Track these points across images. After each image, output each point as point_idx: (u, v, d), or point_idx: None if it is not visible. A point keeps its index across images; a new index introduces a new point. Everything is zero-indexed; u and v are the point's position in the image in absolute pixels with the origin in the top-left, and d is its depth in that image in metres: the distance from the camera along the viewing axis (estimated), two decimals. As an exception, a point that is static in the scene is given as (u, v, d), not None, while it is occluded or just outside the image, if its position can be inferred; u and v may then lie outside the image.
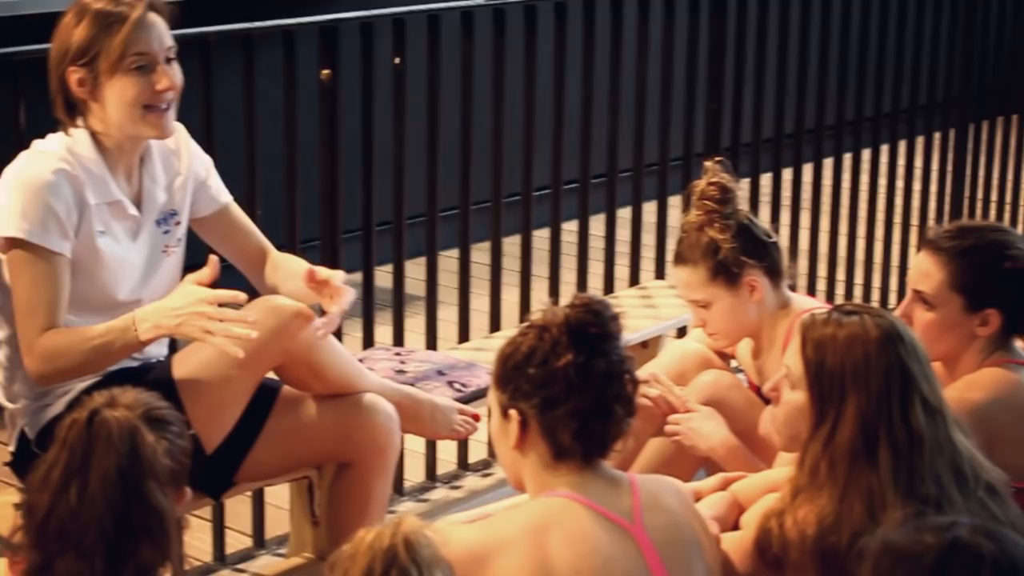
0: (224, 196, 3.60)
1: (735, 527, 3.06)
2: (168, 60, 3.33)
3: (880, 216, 6.02)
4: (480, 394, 3.97)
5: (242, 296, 3.26)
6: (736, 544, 2.92)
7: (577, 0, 4.86)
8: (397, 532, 2.18)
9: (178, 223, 3.49)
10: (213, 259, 3.29)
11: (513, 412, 2.72)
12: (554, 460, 2.72)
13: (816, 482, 2.82)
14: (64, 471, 2.41)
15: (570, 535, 2.65)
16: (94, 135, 3.33)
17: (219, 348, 3.17)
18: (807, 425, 2.85)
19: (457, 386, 3.95)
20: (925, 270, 3.37)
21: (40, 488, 2.43)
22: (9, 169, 3.29)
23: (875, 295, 5.97)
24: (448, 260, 4.75)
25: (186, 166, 3.50)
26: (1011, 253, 3.33)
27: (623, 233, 5.16)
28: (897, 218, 6.11)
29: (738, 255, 3.62)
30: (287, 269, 3.58)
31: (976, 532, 2.21)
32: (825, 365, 2.83)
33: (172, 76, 3.32)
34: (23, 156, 3.31)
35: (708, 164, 3.71)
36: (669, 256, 5.21)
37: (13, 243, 3.24)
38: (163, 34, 3.33)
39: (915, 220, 6.16)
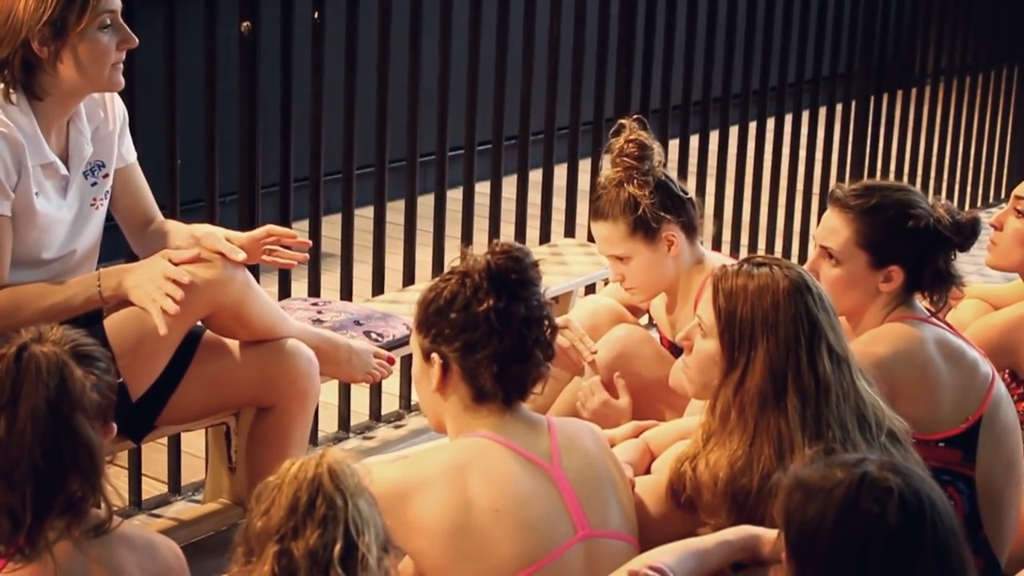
0: (131, 155, 3.63)
1: (647, 473, 3.14)
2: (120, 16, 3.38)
3: (783, 184, 6.13)
4: (396, 344, 4.04)
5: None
6: (650, 488, 3.00)
7: (494, -41, 4.92)
8: (321, 462, 2.23)
9: (106, 175, 3.51)
10: (200, 253, 3.37)
11: (435, 356, 2.79)
12: (475, 403, 2.79)
13: (727, 427, 2.91)
14: None
15: (490, 474, 2.72)
16: (29, 97, 3.34)
17: (152, 317, 3.26)
18: (718, 372, 2.94)
19: (374, 335, 4.01)
20: (832, 227, 3.46)
21: None
22: None
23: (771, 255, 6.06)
24: (363, 219, 4.79)
25: (111, 116, 3.52)
26: (914, 212, 3.41)
27: (534, 195, 5.23)
28: (800, 186, 6.22)
29: (657, 210, 3.69)
30: (175, 231, 3.64)
31: (884, 468, 2.31)
32: (736, 314, 2.92)
33: (131, 34, 3.38)
34: None
35: (626, 122, 3.77)
36: (579, 218, 5.33)
37: None
38: None
39: (816, 188, 6.28)
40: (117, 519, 2.49)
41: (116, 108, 3.54)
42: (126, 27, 3.37)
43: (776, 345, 2.89)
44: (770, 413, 2.88)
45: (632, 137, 3.72)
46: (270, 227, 3.66)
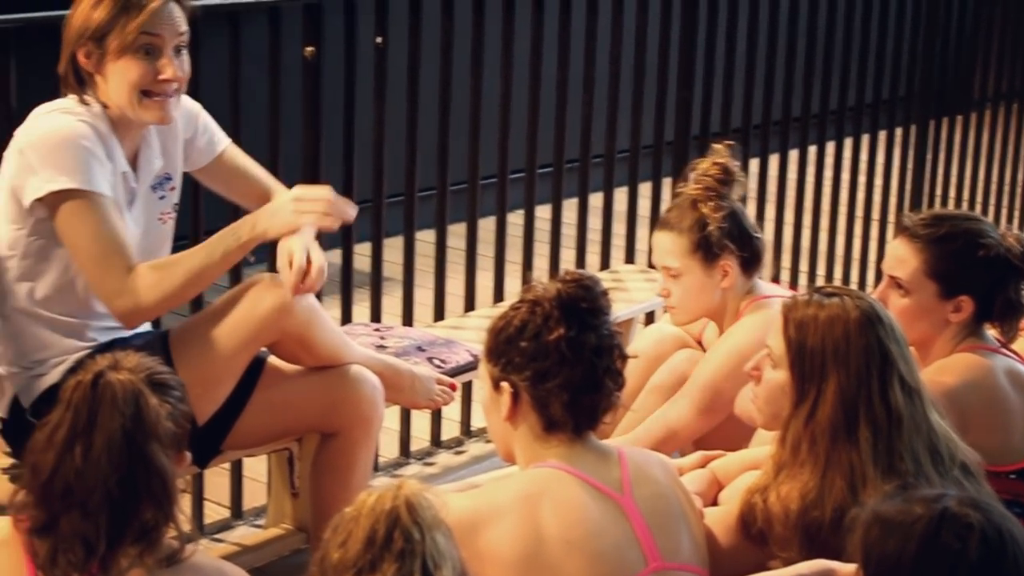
0: (220, 143, 3.63)
1: (714, 504, 3.12)
2: (178, 49, 3.33)
3: (842, 209, 6.10)
4: (459, 370, 4.03)
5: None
6: (719, 519, 2.98)
7: (555, -15, 4.92)
8: (399, 494, 2.21)
9: (173, 188, 3.51)
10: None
11: (505, 385, 2.77)
12: (545, 432, 2.77)
13: (798, 459, 2.88)
14: (69, 432, 2.43)
15: (561, 504, 2.70)
16: (104, 106, 3.34)
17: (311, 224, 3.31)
18: (788, 403, 2.91)
19: (437, 362, 4.00)
20: (900, 256, 3.44)
21: (44, 448, 2.45)
22: (29, 132, 3.27)
23: (840, 285, 6.03)
24: (423, 244, 4.78)
25: (180, 127, 3.52)
26: (984, 241, 3.39)
27: (594, 220, 5.22)
28: (859, 211, 6.19)
29: (722, 238, 3.68)
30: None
31: (964, 503, 2.28)
32: (806, 344, 2.89)
33: (178, 66, 3.32)
34: (40, 117, 3.29)
35: (718, 146, 3.78)
36: (639, 244, 5.32)
37: (62, 196, 3.22)
38: (178, 22, 3.32)
39: (876, 214, 6.25)
40: (189, 547, 2.49)
41: (186, 116, 3.53)
42: (172, 59, 3.30)
43: (847, 376, 2.86)
44: (841, 445, 2.85)
45: (720, 161, 3.72)
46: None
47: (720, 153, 3.75)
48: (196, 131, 3.58)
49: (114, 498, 2.41)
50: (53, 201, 3.23)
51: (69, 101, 3.33)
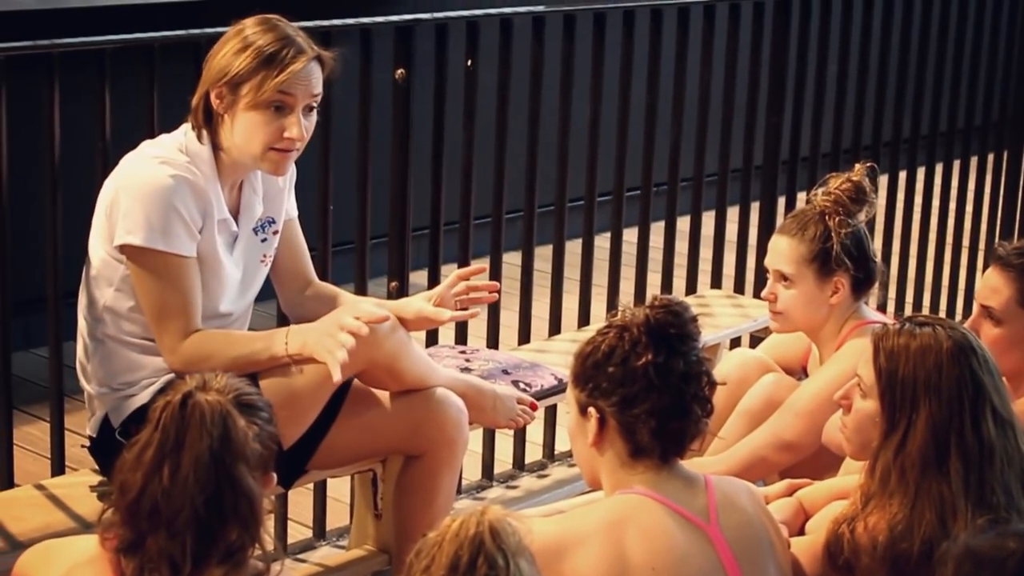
0: (293, 210, 3.65)
1: (801, 533, 3.09)
2: (309, 108, 3.36)
3: (932, 236, 6.05)
4: (544, 394, 4.02)
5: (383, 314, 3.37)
6: (806, 548, 2.95)
7: (645, 10, 4.91)
8: (483, 520, 2.19)
9: (276, 232, 3.54)
10: (388, 315, 3.39)
11: (592, 410, 2.76)
12: (631, 458, 2.75)
13: (887, 489, 2.85)
14: (157, 452, 2.42)
15: (646, 531, 2.69)
16: (215, 149, 3.36)
17: (327, 365, 3.28)
18: (878, 433, 2.88)
19: (522, 385, 3.99)
20: (993, 286, 3.40)
21: (133, 468, 2.45)
22: (129, 175, 3.31)
23: (932, 314, 5.97)
24: (510, 266, 4.78)
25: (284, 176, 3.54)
26: (1079, 271, 3.35)
27: (681, 245, 5.20)
28: (948, 239, 6.13)
29: (842, 255, 3.68)
30: (327, 294, 3.68)
31: None
32: (898, 374, 2.86)
33: (305, 127, 3.35)
34: (143, 162, 3.32)
35: (857, 165, 3.79)
36: (726, 269, 5.30)
37: (139, 251, 3.27)
38: (314, 83, 3.35)
39: (966, 241, 6.19)
40: (275, 568, 2.49)
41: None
42: (299, 117, 3.32)
43: (939, 407, 2.83)
44: (932, 477, 2.81)
45: (855, 179, 3.72)
46: (457, 272, 3.68)
47: (857, 172, 3.75)
48: (290, 186, 3.61)
49: (200, 519, 2.40)
50: (131, 252, 3.29)
51: (173, 147, 3.35)
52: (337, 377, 3.28)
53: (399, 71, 4.25)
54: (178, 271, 3.29)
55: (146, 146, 3.39)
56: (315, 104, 3.38)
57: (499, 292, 3.87)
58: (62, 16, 5.20)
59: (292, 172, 3.57)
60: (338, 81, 4.13)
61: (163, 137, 3.41)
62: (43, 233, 3.73)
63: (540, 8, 4.69)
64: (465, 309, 3.74)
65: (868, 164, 3.80)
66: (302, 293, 3.68)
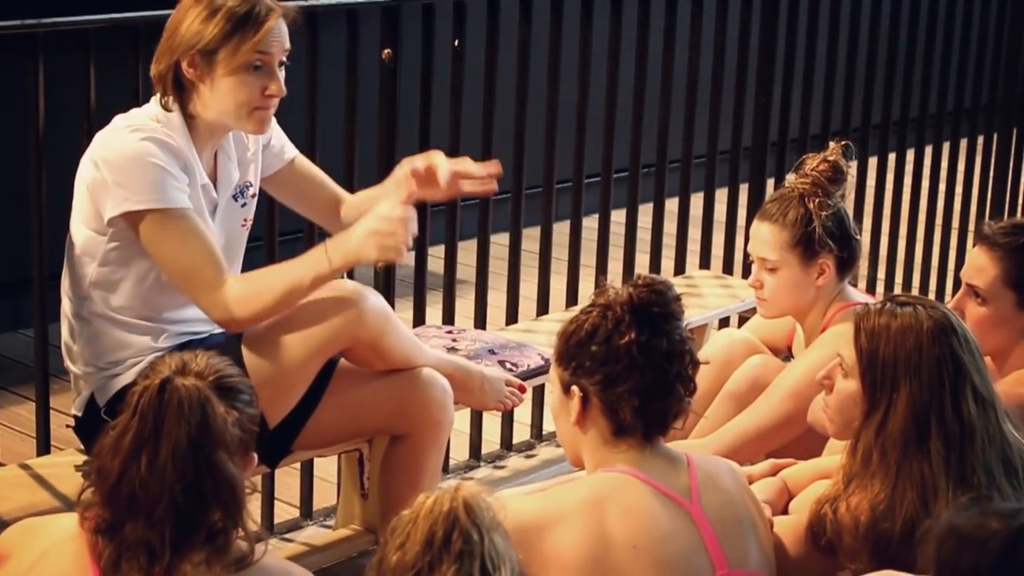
0: (290, 152, 3.66)
1: (784, 512, 3.10)
2: (281, 63, 3.37)
3: (922, 217, 6.05)
4: (530, 374, 4.03)
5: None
6: (788, 528, 2.96)
7: (633, -11, 4.91)
8: (456, 496, 2.20)
9: (253, 195, 3.55)
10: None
11: (575, 389, 2.76)
12: (614, 437, 2.76)
13: (868, 470, 2.85)
14: (135, 439, 2.40)
15: (628, 509, 2.69)
16: (186, 117, 3.36)
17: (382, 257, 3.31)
18: (859, 413, 2.89)
19: (508, 365, 3.99)
20: (979, 265, 3.41)
21: (111, 454, 2.40)
22: (105, 148, 3.30)
23: (915, 294, 5.98)
24: (498, 247, 4.78)
25: (253, 138, 3.55)
26: (1066, 251, 3.35)
27: (669, 225, 5.20)
28: (938, 219, 6.14)
29: (824, 236, 3.68)
30: (359, 203, 3.68)
31: None
32: (878, 354, 2.86)
33: (281, 82, 3.36)
34: (116, 133, 3.32)
35: (832, 144, 3.78)
36: (715, 250, 5.30)
37: (140, 216, 3.26)
38: (284, 38, 3.37)
39: (955, 223, 6.19)
40: (259, 548, 2.48)
41: None
42: (278, 75, 3.35)
43: (919, 387, 2.83)
44: (913, 456, 2.82)
45: (831, 158, 3.71)
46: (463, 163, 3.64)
47: (832, 151, 3.74)
48: (271, 137, 3.62)
49: (179, 507, 2.38)
50: (132, 220, 3.27)
51: (145, 117, 3.35)
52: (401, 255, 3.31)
53: (386, 51, 4.25)
54: (186, 224, 3.27)
55: (117, 119, 3.38)
56: (285, 61, 3.39)
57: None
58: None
59: (276, 127, 3.61)
60: (325, 62, 4.15)
61: (134, 110, 3.42)
62: (29, 214, 3.73)
63: (528, -12, 4.69)
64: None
65: (843, 143, 3.80)
66: (339, 218, 3.70)
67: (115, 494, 2.41)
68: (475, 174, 3.59)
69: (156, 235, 3.26)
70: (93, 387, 3.41)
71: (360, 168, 4.24)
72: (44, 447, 3.81)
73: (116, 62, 3.77)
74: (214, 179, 3.45)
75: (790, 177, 3.81)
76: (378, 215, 3.30)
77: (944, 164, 6.10)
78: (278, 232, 4.12)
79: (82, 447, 3.54)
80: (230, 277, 3.31)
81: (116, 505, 2.41)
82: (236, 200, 3.50)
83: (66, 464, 3.50)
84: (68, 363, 3.47)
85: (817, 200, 3.69)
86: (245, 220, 3.54)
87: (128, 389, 3.02)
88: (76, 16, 3.74)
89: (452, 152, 4.47)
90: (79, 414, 3.46)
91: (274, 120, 3.60)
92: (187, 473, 2.38)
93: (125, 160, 3.26)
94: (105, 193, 3.27)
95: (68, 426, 3.55)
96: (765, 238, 3.74)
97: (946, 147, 6.11)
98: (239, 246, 3.56)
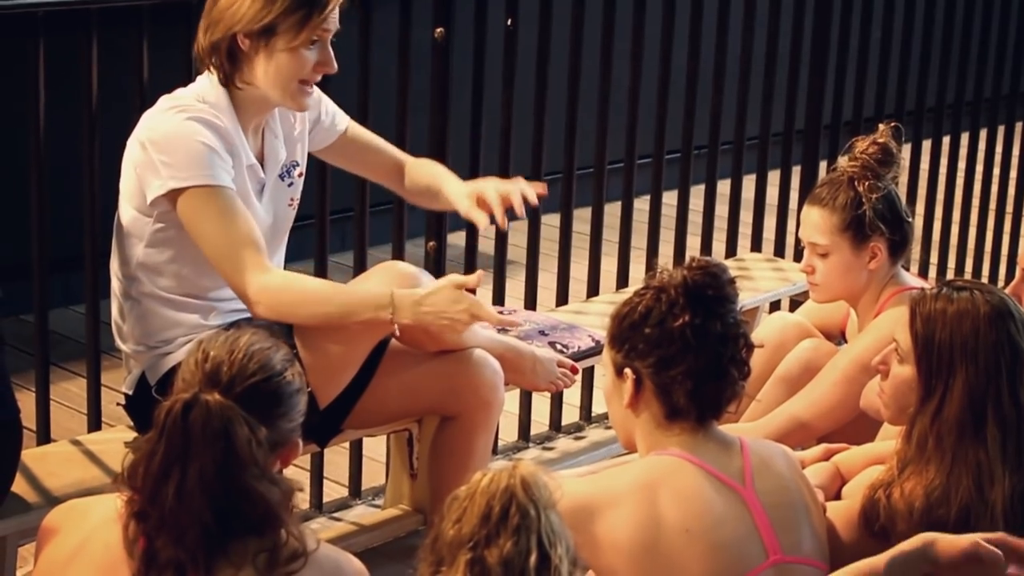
0: (342, 123, 3.68)
1: (837, 497, 3.08)
2: (330, 41, 3.38)
3: (975, 201, 6.00)
4: (581, 356, 4.01)
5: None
6: (841, 513, 2.93)
7: (687, -28, 4.88)
8: (514, 473, 2.18)
9: (300, 174, 3.55)
10: (480, 273, 3.42)
11: (628, 371, 2.74)
12: (667, 420, 2.74)
13: (924, 455, 2.82)
14: (163, 461, 2.33)
15: (681, 493, 2.67)
16: (231, 93, 3.36)
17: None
18: (915, 399, 2.86)
19: (559, 347, 3.98)
20: (1037, 250, 3.38)
21: (142, 474, 2.34)
22: (150, 128, 3.31)
23: (969, 279, 5.94)
24: (548, 228, 4.77)
25: (300, 115, 3.54)
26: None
27: (721, 208, 5.18)
28: (992, 204, 6.09)
29: (875, 219, 3.65)
30: (426, 179, 3.72)
31: None
32: (934, 339, 2.83)
33: (333, 59, 3.37)
34: (162, 114, 3.32)
35: (881, 126, 3.75)
36: (766, 232, 5.28)
37: (185, 192, 3.25)
38: (338, 17, 3.38)
39: (1009, 208, 6.14)
40: (310, 542, 2.41)
41: (311, 101, 3.52)
42: (330, 51, 3.36)
43: (976, 373, 2.80)
44: (968, 443, 2.79)
45: (881, 141, 3.68)
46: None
47: (882, 133, 3.71)
48: (320, 113, 3.62)
49: (211, 531, 2.32)
50: (176, 198, 3.27)
51: (191, 97, 3.35)
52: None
53: (438, 30, 4.24)
54: (230, 202, 3.26)
55: (163, 100, 3.38)
56: (333, 39, 3.40)
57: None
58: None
59: (325, 99, 3.64)
60: (377, 41, 4.14)
61: (179, 91, 3.41)
62: (80, 191, 3.73)
63: (582, -32, 4.67)
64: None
65: (892, 124, 3.76)
66: (402, 180, 3.75)
67: (147, 514, 2.36)
68: (523, 201, 3.59)
69: (198, 211, 3.25)
70: (144, 366, 3.42)
71: (412, 148, 4.22)
72: (95, 423, 3.82)
73: (170, 40, 3.77)
74: (261, 158, 3.45)
75: (841, 160, 3.78)
76: (450, 301, 3.32)
77: (999, 148, 6.05)
78: (329, 211, 4.12)
79: (132, 424, 3.54)
80: (276, 269, 3.31)
81: (148, 522, 2.36)
82: (283, 179, 3.50)
83: (116, 441, 3.51)
84: (119, 342, 3.47)
85: (867, 183, 3.66)
86: (292, 200, 3.54)
87: (179, 368, 3.02)
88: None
89: (504, 132, 4.46)
90: (130, 392, 3.46)
91: (323, 95, 3.60)
92: (217, 497, 2.32)
93: (170, 140, 3.26)
94: (151, 173, 3.27)
95: (119, 404, 3.56)
96: (815, 222, 3.71)
97: (1001, 131, 6.05)
98: (286, 225, 3.55)
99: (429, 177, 3.70)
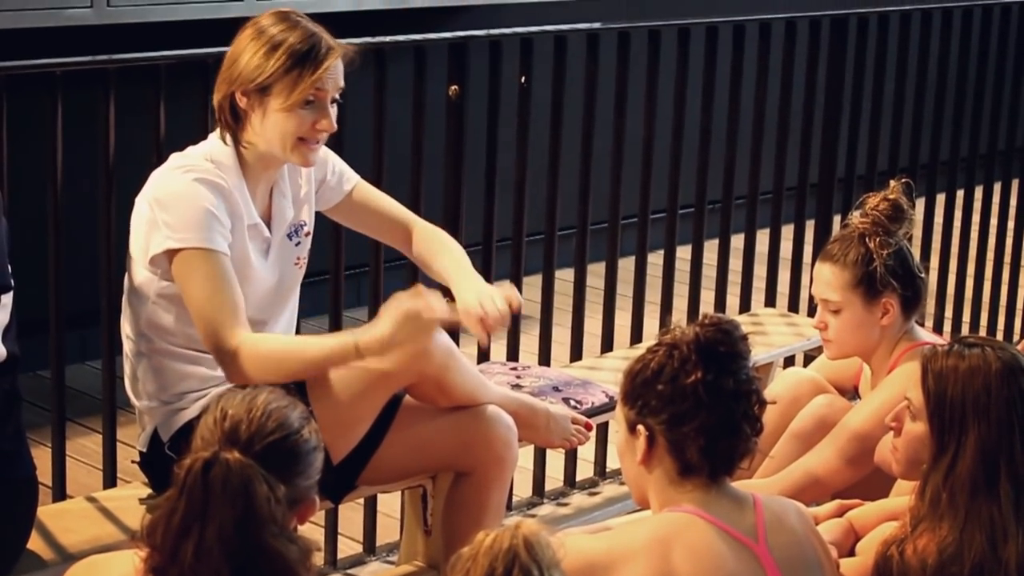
0: (349, 182, 3.68)
1: (851, 554, 3.08)
2: (333, 100, 3.39)
3: (990, 255, 6.01)
4: (595, 411, 4.01)
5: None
6: (855, 569, 2.93)
7: (700, 27, 4.90)
8: (517, 534, 2.18)
9: (308, 233, 3.56)
10: (419, 286, 3.35)
11: (640, 428, 2.74)
12: (680, 476, 2.74)
13: (937, 512, 2.83)
14: (183, 520, 2.33)
15: (694, 550, 2.67)
16: (238, 152, 3.39)
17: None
18: (928, 455, 2.87)
19: (572, 403, 3.98)
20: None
21: (162, 532, 2.34)
22: (156, 187, 3.35)
23: (982, 333, 5.95)
24: (562, 282, 4.78)
25: (307, 176, 3.57)
26: None
27: (735, 262, 5.19)
28: (1006, 258, 6.09)
29: (887, 275, 3.65)
30: (437, 245, 3.71)
31: None
32: (946, 396, 2.84)
33: (332, 119, 3.38)
34: (169, 174, 3.36)
35: (893, 182, 3.76)
36: (780, 287, 5.28)
37: (179, 254, 3.28)
38: (340, 76, 3.39)
39: (1024, 261, 6.16)
40: None
41: (318, 160, 3.55)
42: (329, 110, 3.37)
43: (988, 429, 2.80)
44: (982, 499, 2.79)
45: (892, 197, 3.69)
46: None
47: (893, 189, 3.72)
48: (327, 172, 3.64)
49: None
50: (170, 257, 3.30)
51: (199, 156, 3.38)
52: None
53: (453, 87, 4.26)
54: (218, 268, 3.28)
55: (173, 158, 3.42)
56: (338, 98, 3.41)
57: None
58: (117, 31, 5.24)
59: (333, 158, 3.64)
60: (392, 97, 4.16)
61: (189, 148, 3.44)
62: (97, 246, 3.76)
63: (595, 25, 4.71)
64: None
65: (903, 180, 3.78)
66: (410, 243, 3.73)
67: (165, 572, 2.36)
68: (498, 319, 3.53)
69: (186, 271, 3.28)
70: (157, 422, 3.43)
71: (426, 204, 4.25)
72: (111, 480, 3.83)
73: (185, 97, 3.80)
74: (268, 218, 3.47)
75: (853, 216, 3.79)
76: (412, 328, 3.28)
77: (1013, 201, 6.05)
78: (343, 266, 4.14)
79: (147, 482, 3.55)
80: (255, 336, 3.30)
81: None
82: (290, 239, 3.52)
83: (132, 497, 3.52)
84: (132, 398, 3.49)
85: (878, 239, 3.66)
86: (299, 259, 3.55)
87: (192, 425, 3.01)
88: (147, 52, 3.77)
89: (518, 186, 4.48)
90: (144, 450, 3.47)
91: (332, 153, 3.62)
92: (236, 555, 2.32)
93: (173, 200, 3.30)
94: (153, 231, 3.30)
95: (134, 461, 3.57)
96: (827, 279, 3.72)
97: (1015, 184, 6.06)
98: (293, 284, 3.57)
99: (439, 268, 3.69)
